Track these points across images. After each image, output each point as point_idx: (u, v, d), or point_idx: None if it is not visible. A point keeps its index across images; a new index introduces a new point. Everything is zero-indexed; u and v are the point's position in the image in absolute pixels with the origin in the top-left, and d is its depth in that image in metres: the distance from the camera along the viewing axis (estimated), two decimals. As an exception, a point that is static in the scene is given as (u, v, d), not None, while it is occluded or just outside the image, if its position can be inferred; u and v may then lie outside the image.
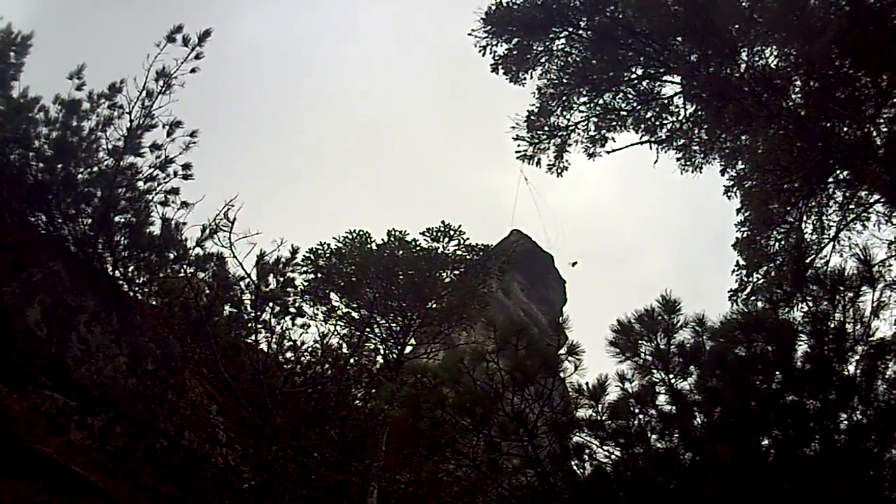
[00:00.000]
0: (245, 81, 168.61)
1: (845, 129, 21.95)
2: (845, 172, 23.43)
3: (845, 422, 10.64)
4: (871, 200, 24.25)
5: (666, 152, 29.63)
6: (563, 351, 11.93)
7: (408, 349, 25.73)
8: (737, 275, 26.75)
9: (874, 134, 21.61)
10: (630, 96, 28.77)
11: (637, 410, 11.41)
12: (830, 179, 24.10)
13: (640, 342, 11.83)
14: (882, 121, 21.45)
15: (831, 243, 24.94)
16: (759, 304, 11.97)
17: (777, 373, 10.96)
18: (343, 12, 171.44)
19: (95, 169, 16.39)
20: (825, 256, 24.76)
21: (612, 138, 29.70)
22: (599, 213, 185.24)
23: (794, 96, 23.47)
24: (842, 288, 11.22)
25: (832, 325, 11.06)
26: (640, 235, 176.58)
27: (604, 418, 11.38)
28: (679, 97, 28.33)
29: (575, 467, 11.55)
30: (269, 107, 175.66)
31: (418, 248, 25.93)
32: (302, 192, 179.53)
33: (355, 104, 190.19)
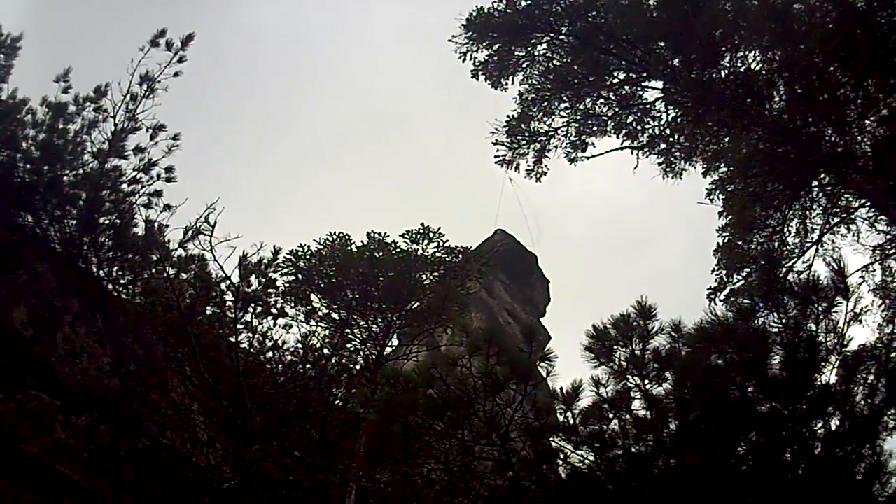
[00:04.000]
0: (241, 70, 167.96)
1: (828, 135, 22.06)
2: (828, 177, 23.53)
3: (821, 430, 10.78)
4: (855, 205, 24.40)
5: (647, 157, 29.71)
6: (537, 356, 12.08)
7: (388, 350, 25.90)
8: (716, 274, 26.84)
9: (858, 140, 21.72)
10: (611, 101, 28.77)
11: (611, 416, 11.55)
12: (814, 184, 24.19)
13: (615, 348, 11.97)
14: (866, 127, 21.56)
15: (814, 247, 25.09)
16: (730, 314, 11.97)
17: (750, 381, 11.10)
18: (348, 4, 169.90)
19: (80, 171, 16.51)
20: (808, 260, 24.93)
21: (593, 143, 29.66)
22: (614, 202, 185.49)
23: (776, 100, 23.58)
24: (815, 298, 11.35)
25: (805, 336, 11.19)
26: (654, 222, 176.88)
27: (577, 423, 11.52)
28: (660, 102, 28.31)
29: (548, 471, 11.69)
30: (267, 96, 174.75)
31: (398, 250, 26.13)
32: (299, 183, 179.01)
33: (357, 95, 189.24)
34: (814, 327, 11.18)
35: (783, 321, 11.33)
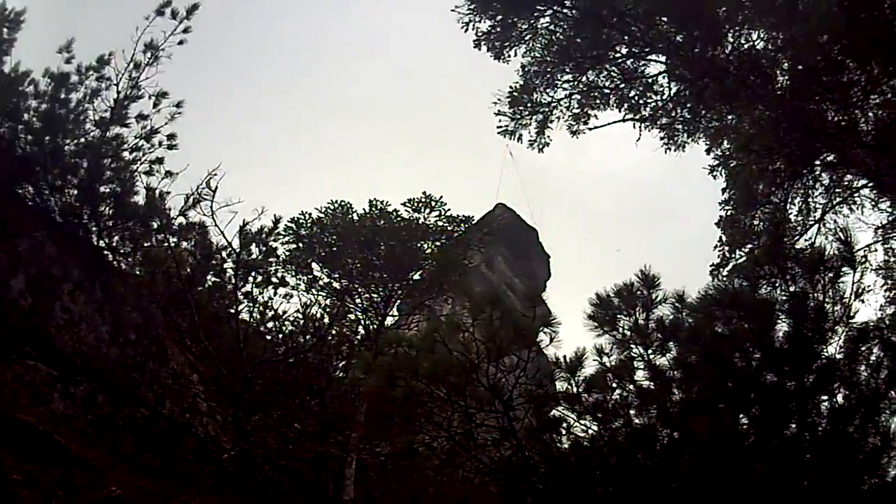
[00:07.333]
0: (248, 30, 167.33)
1: (831, 113, 21.94)
2: (831, 156, 23.44)
3: (826, 404, 10.68)
4: (858, 185, 24.30)
5: (650, 130, 29.57)
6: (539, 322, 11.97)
7: (389, 320, 25.80)
8: (719, 250, 26.77)
9: (860, 119, 21.59)
10: (614, 75, 28.53)
11: (615, 385, 11.45)
12: (817, 162, 24.10)
13: (618, 316, 11.86)
14: (869, 107, 21.44)
15: (816, 225, 24.96)
16: (737, 281, 11.93)
17: (755, 351, 11.01)
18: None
19: (82, 140, 16.61)
20: (810, 238, 24.75)
21: (595, 115, 29.48)
22: (642, 170, 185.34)
23: (780, 79, 23.47)
24: (822, 268, 11.26)
25: (811, 305, 11.10)
26: (681, 190, 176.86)
27: (580, 391, 11.42)
28: (663, 76, 28.08)
29: (551, 441, 11.59)
30: (273, 58, 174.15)
31: (399, 219, 26.00)
32: (300, 149, 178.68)
33: (370, 57, 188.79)
34: (820, 297, 11.09)
35: (790, 289, 11.25)
